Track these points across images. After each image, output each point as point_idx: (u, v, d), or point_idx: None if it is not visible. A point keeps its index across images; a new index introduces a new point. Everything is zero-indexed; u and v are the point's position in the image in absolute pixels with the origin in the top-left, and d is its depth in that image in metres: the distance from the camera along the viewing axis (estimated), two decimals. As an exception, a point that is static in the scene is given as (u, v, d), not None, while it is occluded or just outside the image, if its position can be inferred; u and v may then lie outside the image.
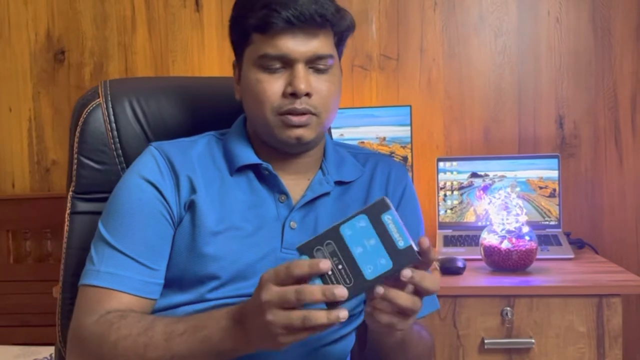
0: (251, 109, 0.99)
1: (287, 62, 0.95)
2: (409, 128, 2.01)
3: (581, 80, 2.11)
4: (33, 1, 2.30)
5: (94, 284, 0.93)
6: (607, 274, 1.64)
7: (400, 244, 0.72)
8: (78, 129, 1.15)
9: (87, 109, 1.16)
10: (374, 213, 0.73)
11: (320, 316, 0.71)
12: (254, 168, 1.01)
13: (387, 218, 0.73)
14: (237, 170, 1.01)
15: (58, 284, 1.71)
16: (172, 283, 0.96)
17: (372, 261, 0.72)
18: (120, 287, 0.92)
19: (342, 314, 0.71)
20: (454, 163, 2.00)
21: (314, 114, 0.96)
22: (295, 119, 0.95)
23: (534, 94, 2.13)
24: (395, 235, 0.73)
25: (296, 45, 0.93)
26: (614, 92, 2.09)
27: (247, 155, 1.01)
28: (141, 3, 2.26)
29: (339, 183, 1.04)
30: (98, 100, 1.16)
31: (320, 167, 1.05)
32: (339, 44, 1.00)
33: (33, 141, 2.33)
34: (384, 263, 0.72)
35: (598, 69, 2.10)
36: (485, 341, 1.53)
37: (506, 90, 2.14)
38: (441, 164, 2.00)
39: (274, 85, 0.95)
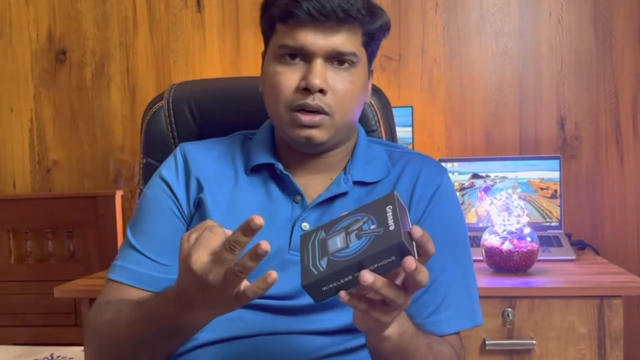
0: (267, 102, 0.98)
1: (306, 56, 0.92)
2: (410, 129, 2.01)
3: (582, 82, 2.11)
4: (34, 1, 2.30)
5: (109, 277, 0.97)
6: (609, 275, 1.63)
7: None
8: (143, 131, 1.23)
9: (150, 111, 1.23)
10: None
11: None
12: (269, 168, 1.00)
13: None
14: (252, 170, 1.00)
15: (59, 284, 1.74)
16: None
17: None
18: (129, 280, 0.95)
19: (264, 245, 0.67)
20: (455, 164, 1.99)
21: (327, 114, 0.92)
22: (306, 119, 0.92)
23: (535, 95, 2.13)
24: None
25: (316, 38, 0.90)
26: (615, 93, 2.09)
27: (262, 155, 1.00)
28: (142, 3, 2.26)
29: (359, 183, 0.99)
30: (161, 102, 1.22)
31: (345, 167, 1.01)
32: (369, 43, 0.96)
33: (34, 141, 2.33)
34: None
35: (599, 70, 2.10)
36: (487, 342, 1.53)
37: (507, 91, 2.14)
38: (442, 165, 1.99)
39: (289, 78, 0.93)
